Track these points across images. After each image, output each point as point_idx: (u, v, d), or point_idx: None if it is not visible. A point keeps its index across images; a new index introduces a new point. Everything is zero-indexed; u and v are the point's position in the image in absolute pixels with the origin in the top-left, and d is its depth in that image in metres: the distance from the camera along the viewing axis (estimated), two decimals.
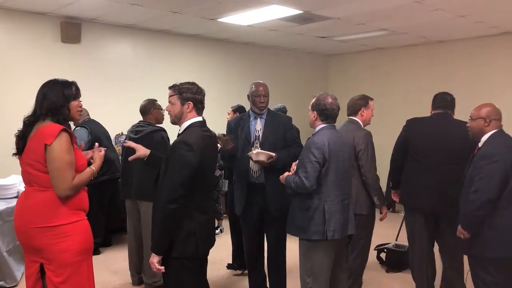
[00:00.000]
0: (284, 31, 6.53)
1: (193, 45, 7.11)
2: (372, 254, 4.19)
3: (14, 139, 2.45)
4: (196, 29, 6.60)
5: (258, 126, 3.52)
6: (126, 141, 3.22)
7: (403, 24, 6.03)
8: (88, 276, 2.48)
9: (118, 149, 5.73)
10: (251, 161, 3.39)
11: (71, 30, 5.80)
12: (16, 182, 4.32)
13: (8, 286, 3.93)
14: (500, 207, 2.79)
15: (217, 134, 2.79)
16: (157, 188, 2.48)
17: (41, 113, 2.37)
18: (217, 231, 5.68)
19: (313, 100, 2.95)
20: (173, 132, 2.79)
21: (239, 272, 4.48)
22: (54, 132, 2.30)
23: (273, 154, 3.30)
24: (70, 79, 2.53)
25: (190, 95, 2.54)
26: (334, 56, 8.85)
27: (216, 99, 6.37)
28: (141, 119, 4.07)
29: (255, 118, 3.55)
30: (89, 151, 2.74)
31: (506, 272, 2.86)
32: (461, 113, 3.60)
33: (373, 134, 3.53)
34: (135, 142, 3.07)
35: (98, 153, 2.62)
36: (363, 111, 3.57)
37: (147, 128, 3.94)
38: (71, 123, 2.60)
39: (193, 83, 2.60)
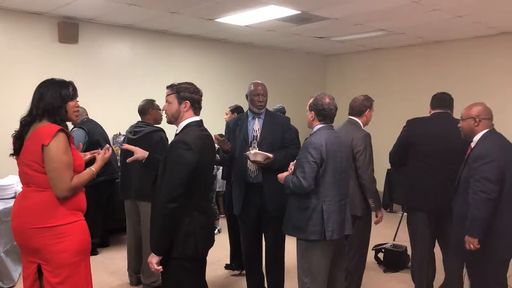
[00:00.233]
0: (282, 31, 6.53)
1: (191, 45, 7.10)
2: (370, 254, 4.19)
3: (11, 140, 2.44)
4: (194, 30, 6.60)
5: (256, 126, 3.51)
6: (123, 144, 3.21)
7: (400, 24, 6.04)
8: (86, 277, 2.47)
9: (116, 149, 5.72)
10: (248, 161, 3.39)
11: (69, 30, 5.80)
12: (13, 183, 4.32)
13: (5, 286, 3.92)
14: (500, 207, 2.77)
15: (213, 135, 2.79)
16: (155, 189, 2.47)
17: (38, 113, 2.36)
18: (215, 232, 5.68)
19: (311, 100, 2.95)
20: (171, 133, 2.78)
21: (237, 272, 4.47)
22: (51, 133, 2.30)
23: (270, 155, 3.30)
24: (67, 79, 2.51)
25: (187, 94, 2.53)
26: (332, 57, 8.86)
27: (214, 99, 6.38)
28: (140, 119, 4.07)
29: (253, 118, 3.54)
30: (87, 152, 2.74)
31: (505, 273, 2.86)
32: (458, 113, 3.56)
33: (370, 134, 3.52)
34: (134, 143, 3.07)
35: (103, 155, 2.61)
36: (367, 113, 3.57)
37: (146, 129, 3.93)
38: (69, 124, 2.59)
39: (191, 83, 2.60)
